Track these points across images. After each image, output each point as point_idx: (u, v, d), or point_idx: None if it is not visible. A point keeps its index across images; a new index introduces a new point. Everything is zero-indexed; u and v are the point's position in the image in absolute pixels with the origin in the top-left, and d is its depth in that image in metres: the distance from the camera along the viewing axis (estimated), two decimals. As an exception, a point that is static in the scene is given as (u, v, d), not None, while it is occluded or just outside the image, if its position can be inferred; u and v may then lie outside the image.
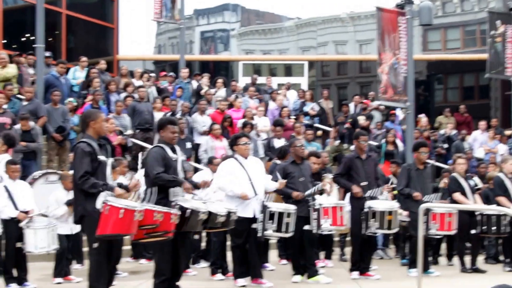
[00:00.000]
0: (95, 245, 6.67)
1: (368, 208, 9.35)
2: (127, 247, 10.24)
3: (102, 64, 16.42)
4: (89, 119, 6.97)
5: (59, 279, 9.05)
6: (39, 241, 8.49)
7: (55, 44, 21.01)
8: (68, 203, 8.83)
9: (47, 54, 15.08)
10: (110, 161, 7.06)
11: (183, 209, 7.35)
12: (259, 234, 8.62)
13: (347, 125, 15.77)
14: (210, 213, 7.60)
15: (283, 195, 9.32)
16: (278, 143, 14.17)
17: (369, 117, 16.92)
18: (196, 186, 8.14)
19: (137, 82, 15.84)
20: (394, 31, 13.58)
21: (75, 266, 9.82)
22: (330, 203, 9.40)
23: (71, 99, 13.93)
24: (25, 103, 12.94)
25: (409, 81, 13.54)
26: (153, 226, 6.92)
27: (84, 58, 16.05)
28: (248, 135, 9.88)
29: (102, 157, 6.81)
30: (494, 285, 3.55)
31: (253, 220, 8.66)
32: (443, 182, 11.90)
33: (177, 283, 7.69)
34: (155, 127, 13.81)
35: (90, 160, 6.67)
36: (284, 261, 10.78)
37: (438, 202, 11.11)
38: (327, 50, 24.25)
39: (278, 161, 10.94)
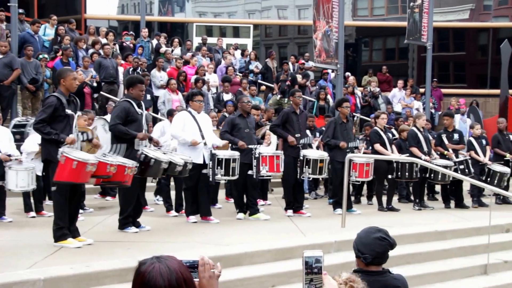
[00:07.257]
0: (53, 188, 6.71)
1: (302, 156, 9.52)
2: (95, 186, 9.97)
3: (73, 25, 16.01)
4: (60, 77, 6.89)
5: (33, 214, 8.92)
6: (20, 180, 8.38)
7: (28, 0, 20.30)
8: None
9: (20, 11, 14.59)
10: (77, 114, 6.98)
11: (147, 158, 7.50)
12: (211, 179, 8.65)
13: (288, 83, 15.87)
14: (170, 163, 7.76)
15: (231, 143, 9.37)
16: (226, 97, 14.21)
17: (305, 76, 17.06)
18: (150, 139, 8.21)
19: (102, 40, 15.53)
20: (328, 1, 13.55)
21: (47, 202, 9.65)
22: (268, 152, 9.47)
23: (46, 55, 13.61)
24: (0, 56, 12.55)
25: (339, 46, 13.60)
26: (107, 177, 6.97)
27: (54, 17, 15.60)
28: (203, 93, 9.84)
29: (69, 111, 6.75)
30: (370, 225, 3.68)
31: (203, 165, 8.67)
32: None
33: (138, 220, 7.85)
34: (119, 81, 13.72)
35: (52, 112, 6.61)
36: (231, 200, 10.80)
37: (361, 151, 11.45)
38: (270, 14, 24.08)
39: (227, 114, 10.98)
